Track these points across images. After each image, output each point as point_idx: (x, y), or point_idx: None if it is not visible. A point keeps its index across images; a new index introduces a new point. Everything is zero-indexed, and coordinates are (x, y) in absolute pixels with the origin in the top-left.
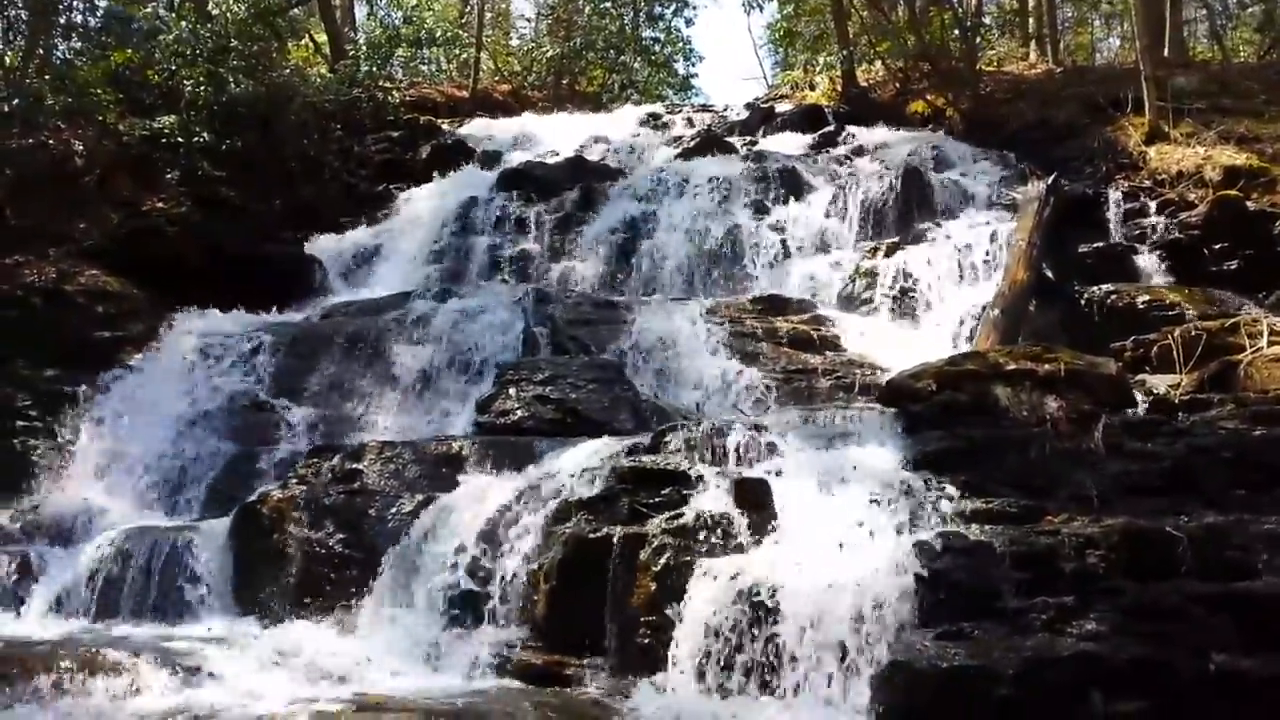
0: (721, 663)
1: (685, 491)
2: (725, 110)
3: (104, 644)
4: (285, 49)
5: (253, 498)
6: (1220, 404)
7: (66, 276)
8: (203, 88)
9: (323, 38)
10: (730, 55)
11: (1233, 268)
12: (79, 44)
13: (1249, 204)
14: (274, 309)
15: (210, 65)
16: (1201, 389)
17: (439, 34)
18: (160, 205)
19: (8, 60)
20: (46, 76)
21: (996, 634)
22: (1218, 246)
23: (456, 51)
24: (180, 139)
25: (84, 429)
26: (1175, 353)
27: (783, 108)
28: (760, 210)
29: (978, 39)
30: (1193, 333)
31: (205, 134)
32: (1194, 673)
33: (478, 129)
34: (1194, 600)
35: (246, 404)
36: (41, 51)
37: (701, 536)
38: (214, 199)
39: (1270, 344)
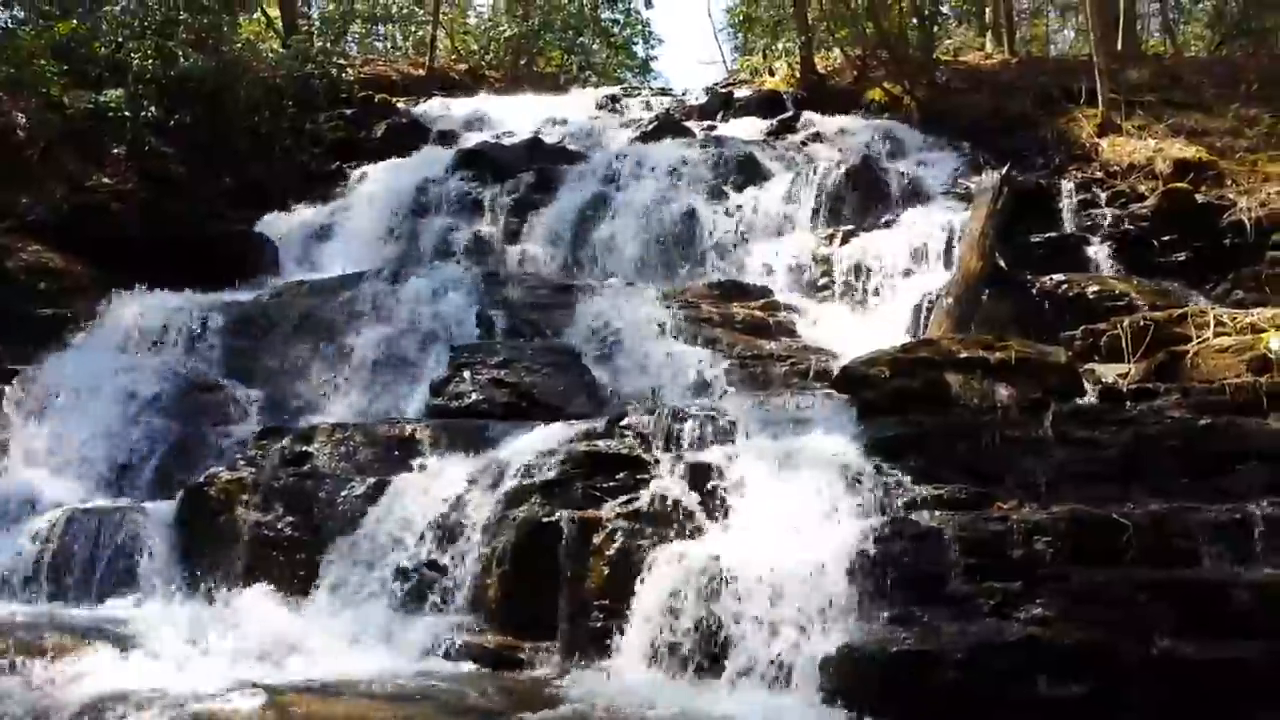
0: (671, 646)
1: (640, 476)
2: (684, 94)
3: (45, 626)
4: (236, 23)
5: (200, 479)
6: (1167, 393)
7: (7, 251)
8: (151, 61)
9: (275, 12)
10: (690, 39)
11: (1181, 259)
12: (22, 13)
13: (1198, 196)
14: (223, 288)
15: (159, 38)
16: (1149, 378)
17: (395, 10)
18: (106, 181)
19: None
20: None
21: (944, 619)
22: (1167, 238)
23: (413, 29)
24: (127, 113)
25: (25, 408)
26: (1124, 342)
27: (741, 93)
28: (718, 195)
29: (935, 28)
30: (1141, 323)
31: (153, 109)
32: (1136, 657)
33: (434, 108)
34: (1138, 586)
35: (195, 384)
36: None
37: (655, 521)
38: (161, 175)
39: (1216, 335)
